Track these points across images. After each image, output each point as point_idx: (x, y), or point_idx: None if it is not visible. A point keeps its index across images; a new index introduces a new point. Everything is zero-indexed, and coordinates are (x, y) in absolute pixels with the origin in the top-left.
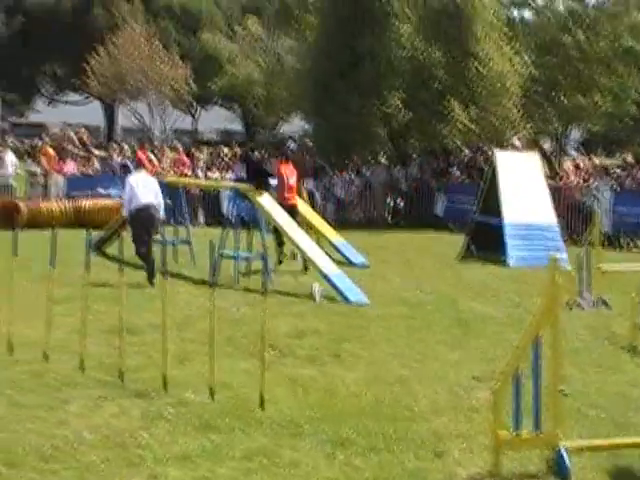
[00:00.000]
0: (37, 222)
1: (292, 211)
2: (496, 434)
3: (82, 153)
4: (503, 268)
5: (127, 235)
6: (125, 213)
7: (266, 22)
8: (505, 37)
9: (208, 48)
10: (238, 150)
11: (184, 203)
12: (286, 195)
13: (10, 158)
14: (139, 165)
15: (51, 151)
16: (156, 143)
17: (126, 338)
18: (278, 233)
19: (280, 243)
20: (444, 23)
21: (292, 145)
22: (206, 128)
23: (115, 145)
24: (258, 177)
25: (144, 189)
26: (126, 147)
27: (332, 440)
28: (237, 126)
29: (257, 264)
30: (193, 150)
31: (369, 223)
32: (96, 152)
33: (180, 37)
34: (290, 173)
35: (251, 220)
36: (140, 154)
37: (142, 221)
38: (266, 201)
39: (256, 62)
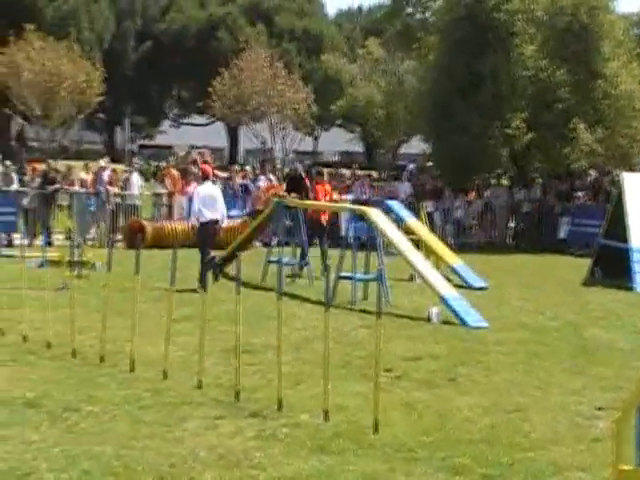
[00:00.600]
0: (161, 242)
1: (319, 227)
2: (617, 467)
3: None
4: (629, 294)
5: (245, 256)
6: (193, 222)
7: (387, 43)
8: (634, 56)
9: (329, 70)
10: (359, 172)
11: (301, 225)
12: (313, 211)
13: (136, 179)
14: (205, 177)
15: (175, 173)
16: (277, 165)
17: (243, 358)
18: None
19: (303, 255)
20: (569, 42)
21: (299, 167)
22: (327, 149)
23: (237, 166)
24: (297, 192)
25: (210, 202)
26: (248, 168)
27: (447, 467)
28: (357, 147)
29: (374, 284)
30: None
31: (489, 246)
32: (219, 174)
33: (302, 59)
34: (322, 192)
35: (369, 241)
36: (206, 167)
37: (207, 233)
38: (381, 220)
39: (376, 83)
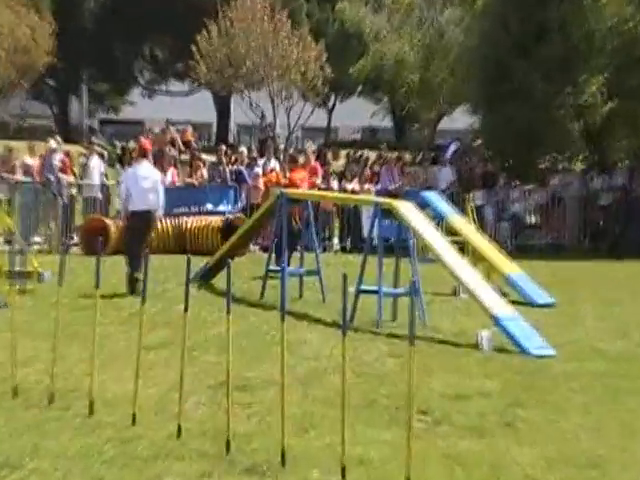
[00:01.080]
0: None
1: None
2: None
3: (186, 158)
4: None
5: (238, 263)
6: (121, 212)
7: None
8: None
9: (347, 22)
10: (389, 154)
11: (312, 222)
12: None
13: (97, 165)
14: (142, 155)
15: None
16: (280, 144)
17: (235, 397)
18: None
19: (291, 248)
20: None
21: (309, 147)
22: (344, 125)
23: (227, 148)
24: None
25: (143, 188)
26: (243, 150)
27: None
28: (384, 122)
29: (404, 302)
30: (326, 153)
31: (557, 249)
32: (204, 157)
33: (311, 9)
34: (301, 180)
35: (398, 244)
36: (146, 143)
37: (138, 227)
38: (415, 217)
39: (409, 38)
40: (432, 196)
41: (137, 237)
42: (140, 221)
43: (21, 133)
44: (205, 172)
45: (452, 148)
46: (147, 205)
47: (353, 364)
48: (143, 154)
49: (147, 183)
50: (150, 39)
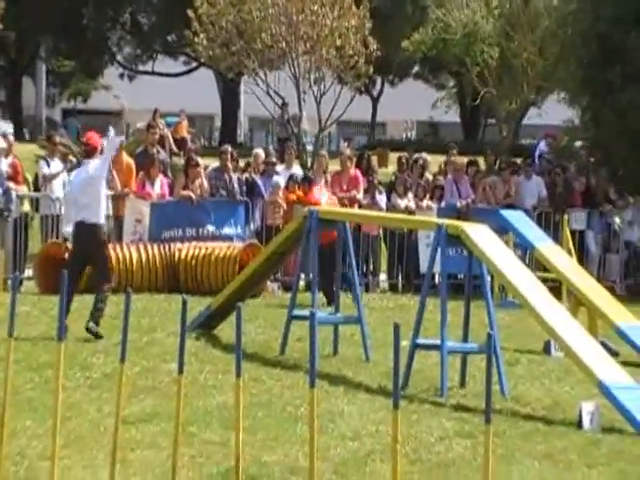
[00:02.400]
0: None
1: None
2: None
3: (181, 163)
4: None
5: (251, 306)
6: (65, 229)
7: None
8: None
9: None
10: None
11: (350, 251)
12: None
13: (60, 171)
14: (90, 151)
15: (129, 161)
16: (307, 145)
17: None
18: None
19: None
20: None
21: (344, 149)
22: (394, 119)
23: (232, 150)
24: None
25: (83, 193)
26: (257, 152)
27: None
28: (449, 116)
29: (477, 362)
30: (370, 158)
31: None
32: (204, 161)
33: None
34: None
35: (469, 282)
36: (94, 137)
37: (76, 245)
38: (491, 246)
39: (484, 2)
40: (515, 217)
41: (78, 259)
42: (80, 237)
43: None
44: (206, 182)
45: (541, 147)
46: (88, 216)
47: (407, 447)
48: (92, 151)
49: (90, 188)
50: (132, 1)
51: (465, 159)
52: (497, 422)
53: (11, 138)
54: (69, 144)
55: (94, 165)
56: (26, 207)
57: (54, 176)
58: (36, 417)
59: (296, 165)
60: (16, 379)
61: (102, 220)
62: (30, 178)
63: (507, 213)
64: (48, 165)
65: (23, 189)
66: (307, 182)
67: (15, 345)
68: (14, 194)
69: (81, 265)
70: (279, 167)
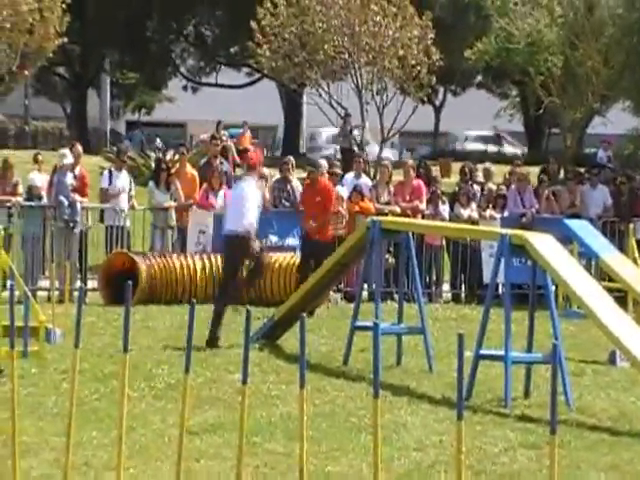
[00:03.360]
0: (165, 291)
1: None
2: None
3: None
4: None
5: (314, 317)
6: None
7: None
8: None
9: None
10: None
11: (413, 262)
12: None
13: (124, 183)
14: (250, 167)
15: (192, 172)
16: (368, 156)
17: None
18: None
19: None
20: None
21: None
22: (457, 127)
23: (288, 159)
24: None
25: (234, 208)
26: (321, 162)
27: None
28: (512, 124)
29: (541, 372)
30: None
31: None
32: (267, 172)
33: None
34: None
35: (533, 292)
36: (256, 154)
37: (229, 256)
38: (554, 252)
39: (548, 11)
40: (580, 226)
41: (230, 270)
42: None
43: (24, 140)
44: (268, 193)
45: (600, 155)
46: (231, 226)
47: (472, 458)
48: (252, 167)
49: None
50: (195, 13)
51: (529, 169)
52: (562, 433)
53: (80, 149)
54: (133, 156)
55: (252, 185)
56: (90, 219)
57: (114, 195)
58: (102, 427)
59: (364, 175)
60: (82, 390)
61: (249, 232)
62: (96, 191)
63: (571, 222)
64: (110, 178)
65: (88, 201)
66: (359, 193)
67: (81, 356)
68: (79, 206)
69: (234, 274)
70: (347, 176)
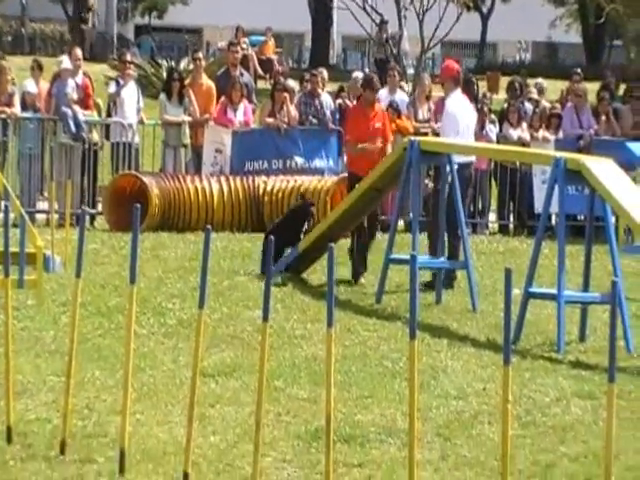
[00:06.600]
0: (178, 217)
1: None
2: None
3: (266, 87)
4: None
5: (344, 248)
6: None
7: None
8: None
9: None
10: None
11: (455, 188)
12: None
13: (132, 95)
14: (455, 81)
15: (209, 83)
16: (409, 68)
17: (338, 453)
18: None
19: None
20: None
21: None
22: (506, 39)
23: (321, 71)
24: None
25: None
26: (355, 75)
27: None
28: (569, 36)
29: (599, 314)
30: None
31: None
32: (291, 84)
33: None
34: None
35: (590, 224)
36: (453, 64)
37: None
38: (615, 179)
39: None
40: None
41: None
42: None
43: (20, 45)
44: (294, 109)
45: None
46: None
47: (519, 408)
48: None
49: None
50: None
51: (588, 85)
52: (621, 381)
53: (79, 53)
54: (142, 64)
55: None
56: (96, 135)
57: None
58: (105, 367)
59: (400, 90)
60: (83, 325)
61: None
62: (101, 103)
63: (635, 146)
64: (119, 88)
65: (93, 114)
66: (395, 110)
67: (83, 287)
68: (83, 119)
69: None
70: (381, 92)
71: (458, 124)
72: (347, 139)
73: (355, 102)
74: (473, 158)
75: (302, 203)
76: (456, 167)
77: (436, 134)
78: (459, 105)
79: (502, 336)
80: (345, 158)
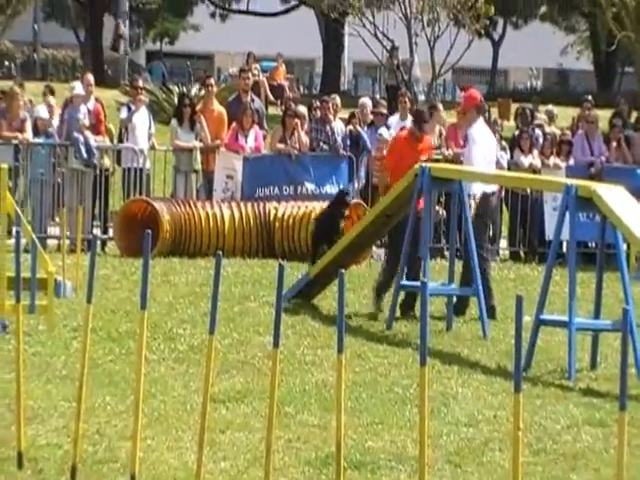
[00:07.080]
0: (189, 242)
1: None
2: None
3: (277, 113)
4: None
5: (354, 274)
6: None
7: None
8: None
9: None
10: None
11: (467, 214)
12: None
13: (144, 121)
14: (479, 110)
15: (220, 109)
16: (419, 94)
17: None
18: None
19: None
20: None
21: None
22: (517, 66)
23: (334, 97)
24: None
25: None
26: (366, 102)
27: None
28: (580, 62)
29: (610, 341)
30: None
31: None
32: (304, 111)
33: None
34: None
35: (601, 251)
36: (476, 93)
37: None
38: (626, 207)
39: None
40: None
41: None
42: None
43: (32, 71)
44: (305, 135)
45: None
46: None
47: (530, 436)
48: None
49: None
50: None
51: (598, 112)
52: (633, 409)
53: (91, 79)
54: (153, 90)
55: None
56: (106, 161)
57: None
58: (116, 392)
59: (411, 117)
60: (94, 350)
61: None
62: (113, 129)
63: None
64: (130, 114)
65: (104, 140)
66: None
67: (94, 312)
68: (94, 144)
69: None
70: (392, 118)
71: (485, 152)
72: (388, 167)
73: (405, 132)
74: (496, 187)
75: (338, 193)
76: (479, 195)
77: (447, 161)
78: (484, 133)
79: (513, 363)
80: (356, 184)
